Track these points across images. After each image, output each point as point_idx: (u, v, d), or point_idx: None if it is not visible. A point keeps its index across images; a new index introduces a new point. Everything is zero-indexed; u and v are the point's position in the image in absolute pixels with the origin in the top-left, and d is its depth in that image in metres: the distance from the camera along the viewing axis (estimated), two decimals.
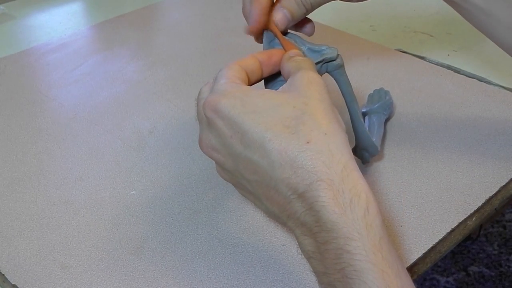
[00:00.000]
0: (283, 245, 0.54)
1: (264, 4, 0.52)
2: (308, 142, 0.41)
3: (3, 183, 0.62)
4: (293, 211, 0.41)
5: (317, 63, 0.52)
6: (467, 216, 0.57)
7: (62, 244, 0.55)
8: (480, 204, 0.58)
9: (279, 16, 0.52)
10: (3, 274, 0.52)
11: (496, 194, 0.59)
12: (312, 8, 0.54)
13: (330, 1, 0.55)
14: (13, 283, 0.51)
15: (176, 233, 0.56)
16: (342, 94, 0.55)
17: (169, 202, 0.59)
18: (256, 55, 0.49)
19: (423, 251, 0.53)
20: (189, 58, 0.84)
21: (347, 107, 0.56)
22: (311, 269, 0.43)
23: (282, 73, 0.49)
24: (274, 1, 0.54)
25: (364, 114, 0.66)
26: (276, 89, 0.49)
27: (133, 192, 0.60)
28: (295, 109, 0.42)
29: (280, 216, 0.43)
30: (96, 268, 0.52)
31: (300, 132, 0.41)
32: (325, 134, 0.41)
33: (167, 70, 0.81)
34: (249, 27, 0.53)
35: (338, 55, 0.52)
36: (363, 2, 0.58)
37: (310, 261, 0.42)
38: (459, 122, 0.68)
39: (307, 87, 0.44)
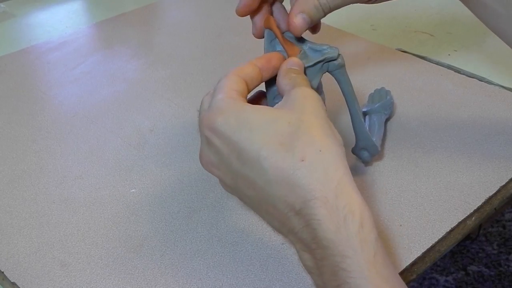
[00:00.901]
0: (283, 243, 0.54)
1: None
2: (302, 160, 0.41)
3: (3, 181, 0.62)
4: (292, 227, 0.42)
5: (318, 63, 0.52)
6: (466, 215, 0.57)
7: (62, 242, 0.55)
8: (479, 204, 0.58)
9: (299, 21, 0.52)
10: (3, 272, 0.52)
11: (496, 193, 0.59)
12: (330, 10, 0.53)
13: (348, 4, 0.54)
14: (12, 281, 0.51)
15: (176, 232, 0.56)
16: (343, 94, 0.55)
17: (169, 200, 0.59)
18: (255, 62, 0.49)
19: (423, 251, 0.53)
20: (190, 57, 0.84)
21: (348, 106, 0.56)
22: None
23: (278, 89, 0.49)
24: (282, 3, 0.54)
25: (365, 114, 0.66)
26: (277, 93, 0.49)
27: (133, 190, 0.60)
28: (290, 125, 0.42)
29: (280, 229, 0.44)
30: (96, 266, 0.52)
31: (295, 149, 0.41)
32: (320, 150, 0.41)
33: (167, 69, 0.81)
34: (238, 8, 0.55)
35: (339, 54, 0.52)
36: (376, 4, 0.58)
37: (311, 275, 0.43)
38: (459, 121, 0.68)
39: (302, 103, 0.44)
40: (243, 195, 0.45)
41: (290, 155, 0.41)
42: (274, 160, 0.41)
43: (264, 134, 0.42)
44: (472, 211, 0.57)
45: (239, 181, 0.44)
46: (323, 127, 0.43)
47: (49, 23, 0.95)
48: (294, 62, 0.50)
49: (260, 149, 0.42)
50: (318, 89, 0.53)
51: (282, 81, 0.48)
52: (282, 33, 0.54)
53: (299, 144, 0.41)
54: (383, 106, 0.67)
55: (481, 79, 0.76)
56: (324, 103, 0.53)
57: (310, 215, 0.40)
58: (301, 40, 0.53)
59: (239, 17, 0.56)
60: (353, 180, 0.42)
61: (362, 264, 0.39)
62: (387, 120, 0.68)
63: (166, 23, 0.95)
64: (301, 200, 0.40)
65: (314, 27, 0.57)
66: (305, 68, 0.51)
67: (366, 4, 0.58)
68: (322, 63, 0.52)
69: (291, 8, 0.53)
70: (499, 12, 0.55)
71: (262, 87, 0.52)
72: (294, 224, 0.41)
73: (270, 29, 0.53)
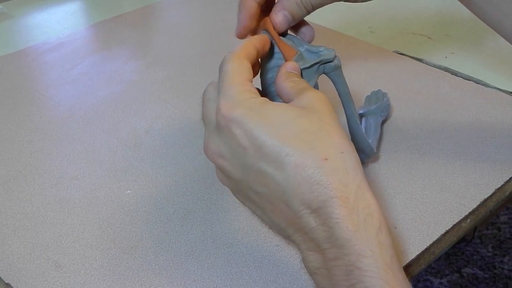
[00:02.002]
0: (277, 245, 0.54)
1: (251, 10, 0.53)
2: (325, 159, 0.41)
3: None
4: (302, 226, 0.41)
5: (314, 64, 0.52)
6: (461, 218, 0.57)
7: (56, 243, 0.55)
8: (475, 206, 0.58)
9: (280, 18, 0.52)
10: None
11: (491, 196, 0.59)
12: (313, 8, 0.54)
13: (331, 3, 0.54)
14: (6, 282, 0.51)
15: (170, 233, 0.56)
16: (339, 95, 0.55)
17: (164, 202, 0.59)
18: (253, 42, 0.49)
19: (417, 253, 0.53)
20: (187, 59, 0.84)
21: (344, 108, 0.56)
22: (314, 285, 0.43)
23: (278, 91, 0.48)
24: (266, 6, 0.54)
25: (361, 116, 0.66)
26: (273, 75, 0.50)
27: (128, 191, 0.60)
28: (311, 123, 0.42)
29: (286, 229, 0.43)
30: (90, 267, 0.52)
31: (317, 148, 0.41)
32: (342, 152, 0.42)
33: (164, 70, 0.81)
34: (237, 31, 0.54)
35: (335, 56, 0.52)
36: (363, 3, 0.58)
37: (314, 276, 0.42)
38: (455, 124, 0.68)
39: (319, 105, 0.44)
40: (249, 191, 0.44)
41: (313, 154, 0.41)
42: (297, 157, 0.41)
43: (286, 130, 0.42)
44: (467, 213, 0.57)
45: (251, 175, 0.43)
46: (341, 131, 0.43)
47: (46, 24, 0.95)
48: (292, 66, 0.50)
49: (282, 145, 0.41)
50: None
51: (285, 84, 0.47)
52: (279, 35, 0.54)
53: (322, 143, 0.42)
54: (380, 108, 0.67)
55: (477, 81, 0.76)
56: None
57: (328, 213, 0.40)
58: (297, 42, 0.53)
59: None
60: (369, 187, 0.42)
61: (379, 265, 0.39)
62: (383, 122, 0.68)
63: (163, 25, 0.95)
64: (320, 199, 0.40)
65: (299, 29, 0.57)
66: (302, 70, 0.51)
67: (361, 6, 0.59)
68: (318, 64, 0.52)
69: (274, 6, 0.53)
70: (496, 8, 0.55)
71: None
72: (306, 223, 0.41)
73: (267, 30, 0.53)
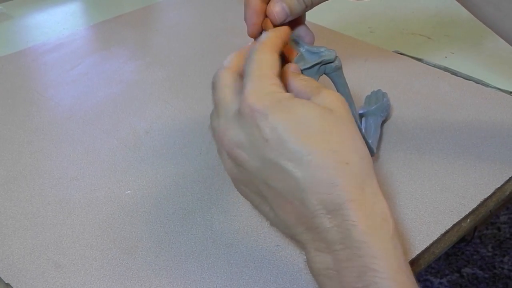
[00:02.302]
0: (277, 245, 0.54)
1: (256, 7, 0.52)
2: (347, 163, 0.41)
3: None
4: (315, 226, 0.41)
5: (315, 65, 0.52)
6: (461, 217, 0.57)
7: (56, 243, 0.55)
8: (475, 206, 0.58)
9: (277, 9, 0.51)
10: None
11: (491, 196, 0.59)
12: (312, 5, 0.53)
13: None
14: (6, 282, 0.51)
15: (170, 233, 0.56)
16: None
17: (164, 202, 0.59)
18: (279, 34, 0.49)
19: (417, 253, 0.53)
20: (187, 59, 0.84)
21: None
22: (316, 286, 0.43)
23: (290, 90, 0.47)
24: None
25: (361, 116, 0.66)
26: None
27: (128, 191, 0.60)
28: (335, 126, 0.42)
29: (293, 227, 0.43)
30: (90, 267, 0.52)
31: (340, 151, 0.41)
32: (361, 158, 0.42)
33: (164, 70, 0.81)
34: (248, 30, 0.54)
35: (336, 57, 0.52)
36: (362, 1, 0.58)
37: (320, 278, 0.42)
38: (455, 124, 0.69)
39: (340, 106, 0.44)
40: (261, 184, 0.43)
41: (336, 156, 0.41)
42: (320, 157, 0.41)
43: (311, 129, 0.42)
44: (467, 213, 0.57)
45: (268, 169, 0.42)
46: (360, 136, 0.44)
47: (46, 24, 0.95)
48: (294, 68, 0.50)
49: (306, 144, 0.41)
50: None
51: (297, 82, 0.47)
52: None
53: (344, 147, 0.42)
54: (380, 108, 0.67)
55: (477, 81, 0.76)
56: None
57: (345, 215, 0.40)
58: (298, 43, 0.53)
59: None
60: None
61: (394, 267, 0.40)
62: (383, 122, 0.68)
63: (163, 25, 0.95)
64: (338, 201, 0.40)
65: (297, 22, 0.56)
66: (302, 71, 0.51)
67: (361, 6, 0.59)
68: (319, 65, 0.52)
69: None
70: (495, 8, 0.55)
71: None
72: (320, 223, 0.41)
73: (267, 30, 0.53)
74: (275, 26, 0.53)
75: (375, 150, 0.61)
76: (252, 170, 0.43)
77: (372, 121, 0.65)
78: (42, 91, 0.77)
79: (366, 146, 0.44)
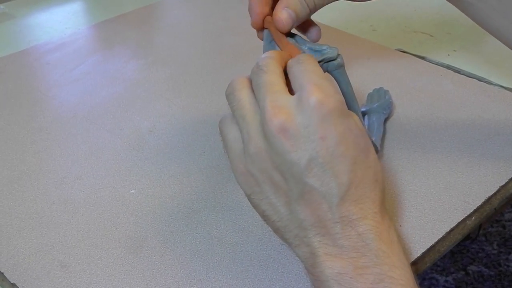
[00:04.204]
0: (282, 244, 0.54)
1: None
2: (376, 180, 0.44)
3: (2, 182, 0.62)
4: (334, 232, 0.43)
5: (318, 62, 0.52)
6: (466, 215, 0.57)
7: (61, 243, 0.55)
8: (479, 204, 0.58)
9: (284, 16, 0.52)
10: (2, 273, 0.52)
11: (495, 193, 0.59)
12: (316, 8, 0.54)
13: (333, 1, 0.54)
14: (12, 282, 0.51)
15: (175, 232, 0.56)
16: (342, 94, 0.55)
17: (169, 201, 0.59)
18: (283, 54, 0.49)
19: (422, 251, 0.53)
20: (189, 58, 0.84)
21: (347, 106, 0.56)
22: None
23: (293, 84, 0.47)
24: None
25: (364, 114, 0.66)
26: None
27: (133, 191, 0.60)
28: (371, 146, 0.45)
29: (308, 228, 0.43)
30: (95, 267, 0.52)
31: (374, 168, 0.44)
32: (383, 179, 0.45)
33: (167, 69, 0.81)
34: (251, 20, 0.54)
35: (338, 54, 0.52)
36: (365, 2, 0.58)
37: (330, 283, 0.42)
38: (458, 121, 0.68)
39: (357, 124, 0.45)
40: (293, 179, 0.43)
41: (371, 172, 0.44)
42: (361, 169, 0.43)
43: (360, 143, 0.44)
44: (471, 211, 0.57)
45: (311, 166, 0.42)
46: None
47: (48, 24, 0.95)
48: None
49: (354, 155, 0.43)
50: None
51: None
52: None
53: (376, 166, 0.45)
54: (382, 106, 0.67)
55: (480, 79, 0.76)
56: None
57: (369, 225, 0.43)
58: (300, 40, 0.53)
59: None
60: None
61: (409, 276, 0.43)
62: (386, 119, 0.68)
63: (165, 24, 0.95)
64: (365, 212, 0.43)
65: (306, 30, 0.57)
66: None
67: (363, 4, 0.58)
68: (321, 63, 0.52)
69: (277, 4, 0.53)
70: (492, 9, 0.55)
71: None
72: (340, 229, 0.42)
73: (269, 29, 0.53)
74: (282, 33, 0.53)
75: (379, 148, 0.61)
76: (290, 161, 0.42)
77: (375, 118, 0.65)
78: (45, 91, 0.77)
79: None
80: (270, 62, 0.46)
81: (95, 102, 0.75)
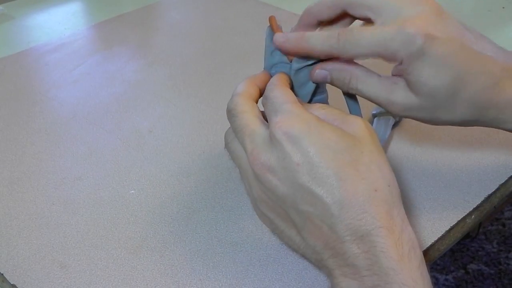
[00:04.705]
0: (282, 243, 0.54)
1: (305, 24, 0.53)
2: (375, 190, 0.42)
3: (2, 182, 0.62)
4: (343, 252, 0.42)
5: (316, 63, 0.52)
6: (466, 214, 0.57)
7: (61, 243, 0.55)
8: (479, 202, 0.58)
9: (321, 75, 0.51)
10: (2, 274, 0.52)
11: (495, 192, 0.59)
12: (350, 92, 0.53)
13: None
14: (12, 283, 0.51)
15: (175, 232, 0.56)
16: (343, 95, 0.55)
17: (168, 201, 0.59)
18: (283, 76, 0.50)
19: (422, 249, 0.53)
20: (189, 58, 0.84)
21: (348, 108, 0.56)
22: None
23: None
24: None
25: (374, 116, 0.66)
26: (276, 70, 0.51)
27: (132, 191, 0.60)
28: (363, 155, 0.43)
29: (320, 252, 0.43)
30: (95, 267, 0.52)
31: (369, 179, 0.42)
32: (389, 186, 0.43)
33: (166, 69, 0.81)
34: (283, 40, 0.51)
35: None
36: None
37: None
38: None
39: (368, 135, 0.44)
40: (291, 209, 0.44)
41: (365, 183, 0.42)
42: (350, 184, 0.42)
43: (341, 156, 0.42)
44: (471, 210, 0.57)
45: (300, 193, 0.42)
46: (388, 164, 0.44)
47: (47, 24, 0.95)
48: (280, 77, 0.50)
49: (337, 170, 0.42)
50: (321, 88, 0.53)
51: (318, 111, 0.47)
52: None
53: (373, 175, 0.43)
54: None
55: None
56: (327, 101, 0.54)
57: (373, 242, 0.41)
58: None
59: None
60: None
61: None
62: (396, 123, 0.68)
63: (165, 24, 0.95)
64: (367, 228, 0.41)
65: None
66: (304, 67, 0.51)
67: None
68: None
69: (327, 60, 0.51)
70: None
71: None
72: (348, 248, 0.41)
73: (270, 26, 0.53)
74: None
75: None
76: (282, 194, 0.43)
77: (384, 121, 0.66)
78: (44, 92, 0.77)
79: (393, 173, 0.44)
80: (237, 101, 0.47)
81: (95, 103, 0.75)
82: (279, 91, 0.46)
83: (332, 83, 0.52)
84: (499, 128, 0.53)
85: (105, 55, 0.86)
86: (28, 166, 0.64)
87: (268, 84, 0.48)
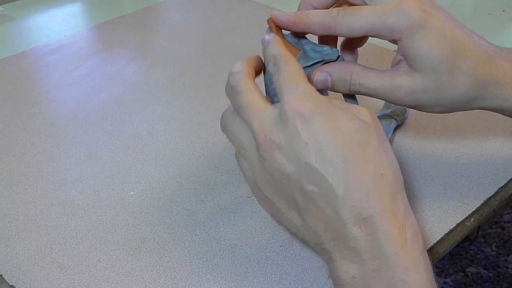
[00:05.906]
0: (281, 246, 0.54)
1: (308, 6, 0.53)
2: (382, 174, 0.42)
3: (1, 184, 0.62)
4: (345, 234, 0.41)
5: (316, 63, 0.52)
6: (465, 217, 0.57)
7: (60, 245, 0.55)
8: (478, 205, 0.58)
9: (319, 77, 0.52)
10: (1, 275, 0.52)
11: (494, 195, 0.59)
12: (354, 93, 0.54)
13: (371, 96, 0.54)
14: (11, 284, 0.51)
15: (174, 234, 0.56)
16: (344, 97, 0.55)
17: (168, 203, 0.59)
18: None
19: None
20: (188, 59, 0.84)
21: None
22: None
23: None
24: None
25: None
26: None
27: (132, 193, 0.60)
28: (371, 139, 0.43)
29: (321, 235, 0.43)
30: (94, 269, 0.52)
31: (376, 162, 0.42)
32: (394, 172, 0.43)
33: (166, 71, 0.82)
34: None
35: (339, 56, 0.53)
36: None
37: (343, 287, 0.42)
38: (457, 122, 0.69)
39: (376, 123, 0.45)
40: (295, 188, 0.43)
41: (372, 167, 0.42)
42: (358, 166, 0.42)
43: (350, 139, 0.42)
44: (470, 213, 0.57)
45: (306, 172, 0.42)
46: (393, 152, 0.45)
47: (47, 26, 0.95)
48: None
49: (345, 152, 0.42)
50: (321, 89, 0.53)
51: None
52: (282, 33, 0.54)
53: (380, 160, 0.43)
54: (395, 112, 0.67)
55: None
56: None
57: (377, 225, 0.41)
58: (303, 41, 0.53)
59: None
60: None
61: (424, 280, 0.40)
62: (398, 126, 0.68)
63: (164, 26, 0.95)
64: (371, 211, 0.41)
65: (356, 43, 0.57)
66: (304, 68, 0.51)
67: None
68: (320, 63, 0.52)
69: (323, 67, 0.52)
70: None
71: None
72: (349, 231, 0.41)
73: (270, 28, 0.53)
74: (297, 37, 0.53)
75: None
76: (288, 173, 0.43)
77: (385, 123, 0.66)
78: (44, 93, 0.77)
79: (397, 161, 0.44)
80: (241, 78, 0.47)
81: (94, 104, 0.75)
82: (292, 66, 0.46)
83: (333, 88, 0.52)
84: (503, 111, 0.54)
85: (105, 56, 0.86)
86: (27, 167, 0.64)
87: (278, 54, 0.47)
